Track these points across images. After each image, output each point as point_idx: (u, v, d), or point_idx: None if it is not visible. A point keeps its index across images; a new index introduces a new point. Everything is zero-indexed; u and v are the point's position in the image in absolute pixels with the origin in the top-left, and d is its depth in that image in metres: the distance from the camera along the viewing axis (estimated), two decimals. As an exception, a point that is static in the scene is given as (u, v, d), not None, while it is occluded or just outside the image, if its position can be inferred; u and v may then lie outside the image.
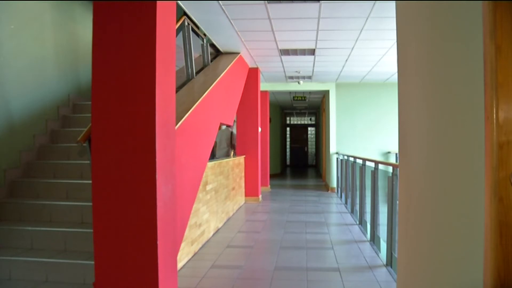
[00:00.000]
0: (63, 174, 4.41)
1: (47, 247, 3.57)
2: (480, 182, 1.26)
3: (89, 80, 2.78)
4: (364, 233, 5.44)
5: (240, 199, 7.92)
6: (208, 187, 5.25)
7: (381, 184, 4.74)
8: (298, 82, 10.09)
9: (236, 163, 7.44)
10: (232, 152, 8.10)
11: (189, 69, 5.38)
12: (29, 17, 4.79)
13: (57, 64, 5.32)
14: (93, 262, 2.65)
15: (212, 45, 6.51)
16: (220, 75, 5.51)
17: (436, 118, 1.64)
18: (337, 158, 9.89)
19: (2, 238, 3.64)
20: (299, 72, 8.90)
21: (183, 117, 3.72)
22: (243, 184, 8.24)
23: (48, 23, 5.15)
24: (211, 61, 6.43)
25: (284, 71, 8.71)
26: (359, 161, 6.35)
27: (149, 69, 2.59)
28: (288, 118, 20.41)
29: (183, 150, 3.73)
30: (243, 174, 8.23)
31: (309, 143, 20.92)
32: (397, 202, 3.28)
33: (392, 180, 3.89)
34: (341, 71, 8.79)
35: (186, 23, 5.17)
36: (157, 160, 2.57)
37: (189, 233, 4.24)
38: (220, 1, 4.57)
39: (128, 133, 2.62)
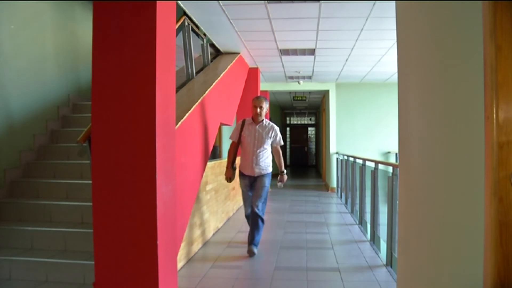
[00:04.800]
0: (63, 174, 4.41)
1: (47, 247, 3.57)
2: (480, 182, 1.26)
3: (89, 80, 2.78)
4: (364, 233, 5.44)
5: (240, 199, 7.92)
6: (208, 187, 5.25)
7: (381, 184, 4.74)
8: (298, 82, 10.09)
9: (236, 163, 7.43)
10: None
11: (189, 69, 5.38)
12: (29, 17, 4.79)
13: (57, 64, 5.32)
14: (93, 262, 2.65)
15: (212, 45, 6.50)
16: (220, 75, 5.51)
17: (436, 118, 1.64)
18: (337, 158, 9.89)
19: (2, 238, 3.63)
20: (299, 72, 8.90)
21: (183, 117, 3.72)
22: (243, 184, 8.23)
23: (48, 23, 5.15)
24: (211, 61, 6.43)
25: (284, 71, 8.70)
26: (359, 161, 6.35)
27: (149, 69, 2.58)
28: (288, 118, 20.41)
29: (183, 150, 3.73)
30: (243, 174, 8.21)
31: (309, 143, 20.92)
32: (397, 202, 3.28)
33: (392, 180, 3.89)
34: (341, 71, 8.79)
35: (186, 23, 5.17)
36: (157, 160, 2.57)
37: (189, 233, 4.24)
38: (220, 1, 4.57)
39: (128, 133, 2.62)
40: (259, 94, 8.67)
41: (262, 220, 4.52)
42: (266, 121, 4.64)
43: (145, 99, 2.59)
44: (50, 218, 3.89)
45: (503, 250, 1.17)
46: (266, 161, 4.53)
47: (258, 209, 4.43)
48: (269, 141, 4.56)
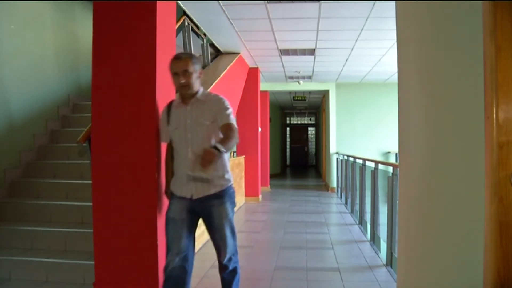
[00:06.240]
0: (63, 174, 4.41)
1: (47, 247, 3.57)
2: (480, 182, 1.26)
3: (89, 80, 2.78)
4: (364, 233, 5.43)
5: (240, 199, 7.92)
6: (208, 187, 5.24)
7: (381, 184, 4.74)
8: (298, 82, 10.09)
9: (236, 163, 7.44)
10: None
11: (189, 69, 5.37)
12: (29, 17, 4.79)
13: (57, 64, 5.32)
14: (93, 262, 2.65)
15: (212, 45, 6.51)
16: (220, 75, 5.51)
17: (436, 118, 1.64)
18: (337, 158, 9.89)
19: (2, 238, 3.63)
20: (299, 72, 8.90)
21: (183, 117, 3.71)
22: (243, 184, 8.24)
23: (48, 23, 5.15)
24: (211, 61, 6.43)
25: (284, 71, 8.70)
26: (359, 161, 6.35)
27: (149, 69, 2.59)
28: (288, 118, 20.42)
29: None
30: (243, 174, 8.22)
31: (309, 143, 20.93)
32: (397, 202, 3.28)
33: (392, 180, 3.89)
34: (341, 71, 8.79)
35: (186, 23, 5.17)
36: (157, 160, 2.57)
37: (189, 233, 4.23)
38: (220, 1, 4.57)
39: (128, 133, 2.62)
40: (259, 94, 8.66)
41: (236, 272, 2.73)
42: (203, 92, 2.51)
43: (145, 99, 2.59)
44: (50, 218, 3.89)
45: (503, 250, 1.17)
46: (214, 167, 2.26)
47: (229, 262, 2.65)
48: (215, 126, 2.42)
